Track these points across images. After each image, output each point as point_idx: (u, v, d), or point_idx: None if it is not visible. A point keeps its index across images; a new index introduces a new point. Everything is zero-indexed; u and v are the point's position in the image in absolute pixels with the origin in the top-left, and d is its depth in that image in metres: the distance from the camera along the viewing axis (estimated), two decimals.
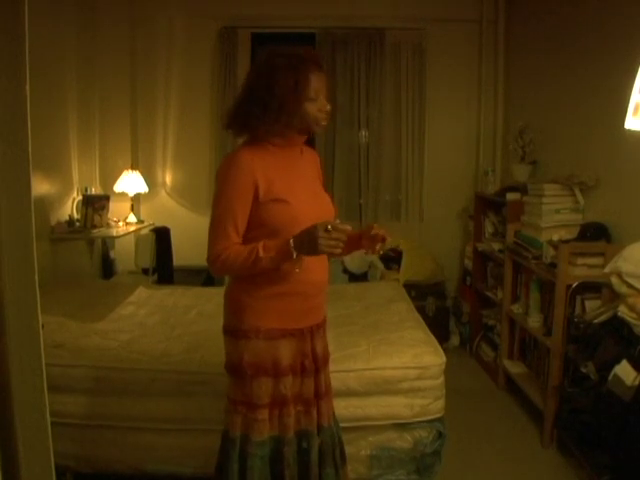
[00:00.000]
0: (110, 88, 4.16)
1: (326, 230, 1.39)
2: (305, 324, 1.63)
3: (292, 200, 1.53)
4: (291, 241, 1.44)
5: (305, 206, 1.55)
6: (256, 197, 1.51)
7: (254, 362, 1.55)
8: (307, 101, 1.50)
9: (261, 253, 1.46)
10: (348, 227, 1.43)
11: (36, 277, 0.86)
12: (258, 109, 1.48)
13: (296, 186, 1.57)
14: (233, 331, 1.59)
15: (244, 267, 1.50)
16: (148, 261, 3.81)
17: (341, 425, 2.02)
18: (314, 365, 1.64)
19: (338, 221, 1.45)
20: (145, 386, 2.06)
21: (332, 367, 2.05)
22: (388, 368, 2.06)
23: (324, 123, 1.56)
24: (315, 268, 1.58)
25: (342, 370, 2.05)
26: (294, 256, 1.44)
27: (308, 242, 1.42)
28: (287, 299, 1.58)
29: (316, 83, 1.51)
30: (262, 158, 1.53)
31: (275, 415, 1.59)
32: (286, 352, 1.59)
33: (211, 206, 1.55)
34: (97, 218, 3.62)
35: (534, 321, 2.86)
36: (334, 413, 1.75)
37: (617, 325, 2.04)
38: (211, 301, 3.01)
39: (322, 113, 1.54)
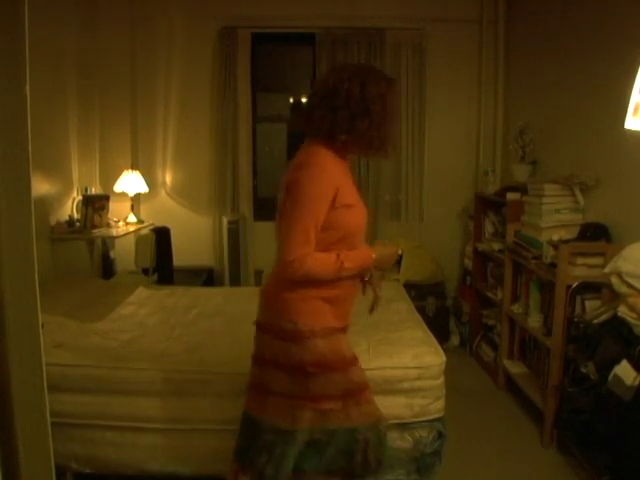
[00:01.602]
0: (110, 88, 4.16)
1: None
2: (349, 321, 1.70)
3: (357, 206, 1.59)
4: (374, 256, 1.57)
5: (364, 212, 1.63)
6: (332, 202, 1.52)
7: (316, 360, 1.55)
8: (395, 124, 1.61)
9: (346, 264, 1.52)
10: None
11: (36, 277, 0.86)
12: (350, 122, 1.52)
13: (355, 193, 1.62)
14: (289, 334, 1.57)
15: (327, 276, 1.54)
16: (148, 261, 3.80)
17: None
18: None
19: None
20: (145, 386, 2.06)
21: None
22: (388, 368, 2.06)
23: (394, 145, 1.67)
24: None
25: None
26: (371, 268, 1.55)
27: (388, 261, 1.60)
28: (341, 301, 1.63)
29: (394, 104, 1.60)
30: (337, 164, 1.57)
31: (351, 405, 1.61)
32: (346, 344, 1.63)
33: (293, 205, 1.50)
34: (97, 218, 3.62)
35: (534, 321, 2.86)
36: None
37: (617, 325, 2.04)
38: (211, 301, 3.01)
39: (396, 134, 1.66)
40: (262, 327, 1.64)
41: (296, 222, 1.49)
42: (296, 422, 1.59)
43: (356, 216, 1.59)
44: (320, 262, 1.51)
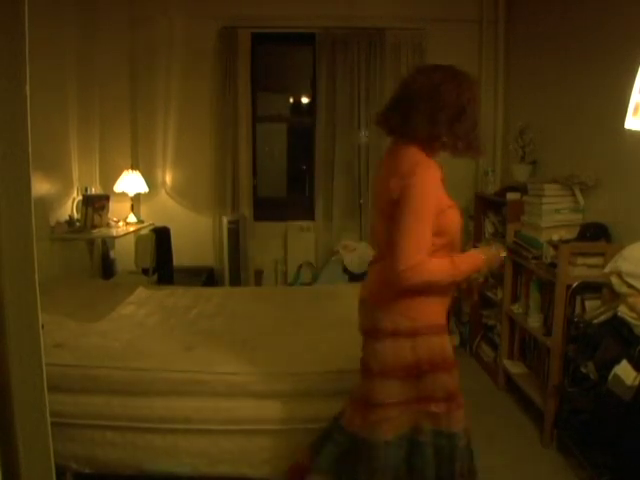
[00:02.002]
0: (110, 88, 4.16)
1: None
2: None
3: (454, 207, 1.62)
4: (483, 257, 1.63)
5: (458, 212, 1.64)
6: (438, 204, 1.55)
7: (430, 358, 1.58)
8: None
9: (462, 267, 1.58)
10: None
11: (36, 277, 0.86)
12: (450, 125, 1.57)
13: (447, 194, 1.63)
14: (406, 331, 1.59)
15: (443, 281, 1.57)
16: (148, 261, 3.81)
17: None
18: None
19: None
20: (145, 386, 2.06)
21: (332, 367, 2.06)
22: None
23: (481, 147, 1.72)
24: None
25: (342, 370, 2.05)
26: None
27: (495, 261, 1.65)
28: (446, 300, 1.66)
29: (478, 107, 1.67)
30: (437, 168, 1.59)
31: (453, 408, 1.63)
32: (449, 345, 1.64)
33: (406, 213, 1.51)
34: (97, 218, 3.62)
35: (534, 321, 2.86)
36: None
37: (617, 325, 2.04)
38: (211, 301, 3.01)
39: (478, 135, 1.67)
40: (372, 332, 1.64)
41: (410, 230, 1.49)
42: (400, 428, 1.62)
43: (455, 217, 1.62)
44: (437, 268, 1.54)
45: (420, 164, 1.55)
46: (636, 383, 1.82)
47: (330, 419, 1.96)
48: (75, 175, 3.79)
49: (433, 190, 1.54)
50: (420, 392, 1.60)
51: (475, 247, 1.71)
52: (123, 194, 4.00)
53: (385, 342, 1.60)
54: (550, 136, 3.33)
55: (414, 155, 1.57)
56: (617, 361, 1.93)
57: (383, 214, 1.61)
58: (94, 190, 3.92)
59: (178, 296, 3.10)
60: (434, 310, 1.62)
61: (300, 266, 4.35)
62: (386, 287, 1.59)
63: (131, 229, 3.91)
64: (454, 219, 1.61)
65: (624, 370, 1.88)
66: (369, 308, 1.67)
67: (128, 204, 4.07)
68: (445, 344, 1.62)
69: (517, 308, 3.11)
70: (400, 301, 1.58)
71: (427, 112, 1.56)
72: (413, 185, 1.51)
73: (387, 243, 1.56)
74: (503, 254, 1.69)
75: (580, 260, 2.50)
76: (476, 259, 1.63)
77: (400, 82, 1.69)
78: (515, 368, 3.13)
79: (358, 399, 1.71)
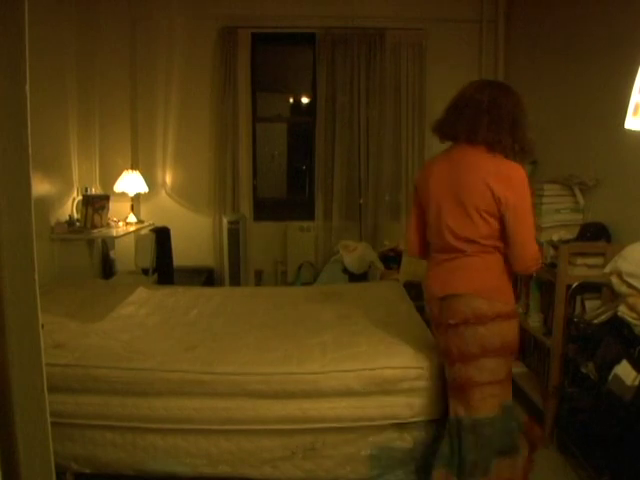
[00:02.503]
0: (110, 88, 4.16)
1: None
2: None
3: None
4: None
5: None
6: None
7: (514, 339, 1.90)
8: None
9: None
10: None
11: (36, 277, 0.86)
12: (512, 133, 1.83)
13: None
14: (504, 315, 1.85)
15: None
16: (148, 261, 3.81)
17: (341, 425, 2.04)
18: None
19: None
20: (145, 386, 2.06)
21: (332, 367, 2.06)
22: (388, 368, 2.05)
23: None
24: None
25: (342, 370, 2.05)
26: None
27: None
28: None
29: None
30: None
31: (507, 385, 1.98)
32: None
33: (524, 211, 1.81)
34: (97, 218, 3.62)
35: (534, 321, 2.85)
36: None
37: (617, 325, 2.04)
38: (211, 301, 3.00)
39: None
40: (472, 319, 1.84)
41: (530, 226, 1.83)
42: (504, 401, 1.92)
43: None
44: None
45: (516, 170, 1.82)
46: (636, 383, 1.82)
47: (332, 419, 1.96)
48: (75, 175, 3.79)
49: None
50: (503, 373, 1.90)
51: None
52: (123, 194, 4.00)
53: (488, 325, 1.82)
54: (550, 136, 3.33)
55: (507, 162, 1.83)
56: (617, 361, 1.93)
57: (478, 210, 1.81)
58: (94, 190, 3.92)
59: (178, 296, 3.09)
60: (513, 296, 1.95)
61: (300, 266, 4.35)
62: (486, 277, 1.87)
63: (131, 229, 3.91)
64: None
65: (624, 370, 1.88)
66: (466, 298, 1.85)
67: (128, 204, 4.07)
68: (517, 327, 1.93)
69: (517, 308, 3.11)
70: (499, 289, 1.87)
71: (490, 122, 1.81)
72: (522, 184, 1.81)
73: (490, 237, 1.84)
74: None
75: (580, 260, 2.49)
76: None
77: (457, 96, 1.93)
78: (515, 368, 3.13)
79: (457, 387, 1.92)
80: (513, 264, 1.87)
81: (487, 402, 1.87)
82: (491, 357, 1.85)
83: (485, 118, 1.81)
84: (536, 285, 2.89)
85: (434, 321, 2.04)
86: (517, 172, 1.80)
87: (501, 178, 1.77)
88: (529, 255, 1.83)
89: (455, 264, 1.90)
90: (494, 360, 1.86)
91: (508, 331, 1.86)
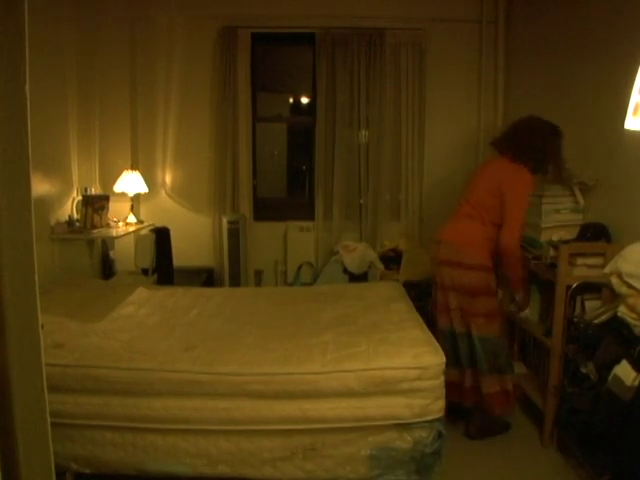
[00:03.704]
0: (110, 88, 4.15)
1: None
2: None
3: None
4: (520, 290, 2.85)
5: None
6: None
7: (490, 284, 2.66)
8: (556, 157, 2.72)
9: (516, 272, 2.73)
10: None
11: (36, 277, 0.86)
12: (544, 159, 2.68)
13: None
14: (485, 267, 2.63)
15: (512, 265, 2.67)
16: (148, 261, 3.81)
17: (341, 425, 2.04)
18: None
19: None
20: (145, 386, 2.06)
21: (332, 367, 2.06)
22: (388, 368, 2.06)
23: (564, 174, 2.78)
24: None
25: (342, 370, 2.05)
26: None
27: (522, 302, 2.93)
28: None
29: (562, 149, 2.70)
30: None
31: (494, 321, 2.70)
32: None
33: (514, 202, 2.57)
34: (97, 218, 3.62)
35: (534, 319, 2.86)
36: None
37: (617, 325, 2.04)
38: (211, 301, 3.00)
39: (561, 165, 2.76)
40: (475, 267, 2.61)
41: (519, 215, 2.56)
42: (496, 332, 2.65)
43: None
44: (518, 258, 2.65)
45: (527, 173, 2.62)
46: (636, 383, 1.82)
47: (332, 419, 1.97)
48: (75, 175, 3.79)
49: (529, 192, 2.61)
50: (498, 307, 2.75)
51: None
52: (123, 194, 4.00)
53: (477, 273, 2.62)
54: None
55: (519, 168, 2.62)
56: (617, 361, 1.93)
57: (492, 194, 2.63)
58: (94, 190, 3.91)
59: (178, 296, 3.09)
60: (491, 257, 2.67)
61: (300, 266, 4.35)
62: (479, 239, 2.64)
63: (131, 229, 3.91)
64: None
65: (624, 370, 1.88)
66: (467, 247, 2.65)
67: (128, 204, 4.07)
68: (493, 278, 2.73)
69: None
70: (484, 250, 2.64)
71: (528, 147, 2.62)
72: (521, 185, 2.60)
73: (496, 216, 2.62)
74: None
75: (580, 260, 2.49)
76: (519, 282, 2.78)
77: (517, 124, 2.75)
78: (515, 368, 3.13)
79: (484, 314, 2.61)
80: (499, 236, 2.58)
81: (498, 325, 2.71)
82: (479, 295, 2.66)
83: (530, 152, 2.61)
84: (536, 285, 2.89)
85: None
86: (522, 175, 2.60)
87: (510, 175, 2.61)
88: (510, 234, 2.54)
89: (470, 223, 2.73)
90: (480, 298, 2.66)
91: (486, 279, 2.63)
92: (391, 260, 4.07)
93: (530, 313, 2.96)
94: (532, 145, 2.59)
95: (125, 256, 4.18)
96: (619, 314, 2.02)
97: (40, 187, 3.26)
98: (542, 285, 2.86)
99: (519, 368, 3.14)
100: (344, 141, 4.28)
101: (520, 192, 2.55)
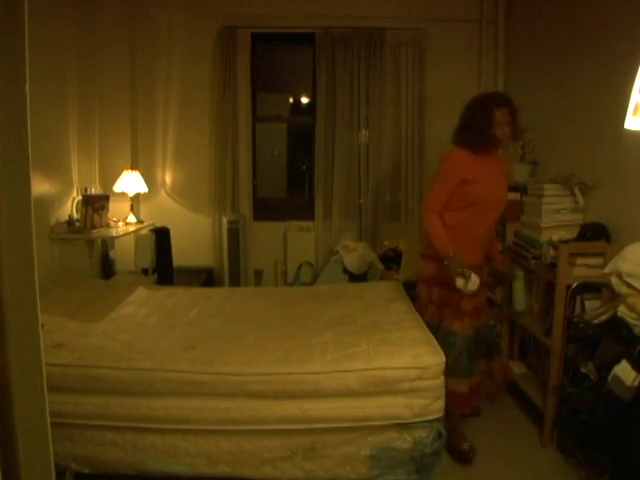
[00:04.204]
0: (110, 88, 4.16)
1: (462, 273, 2.34)
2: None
3: (479, 184, 2.44)
4: (450, 254, 2.39)
5: (487, 189, 2.46)
6: (461, 181, 2.44)
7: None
8: (492, 127, 2.43)
9: (439, 243, 2.46)
10: (474, 288, 2.36)
11: (36, 277, 0.86)
12: (469, 132, 2.47)
13: (485, 177, 2.45)
14: (430, 256, 2.58)
15: (435, 240, 2.49)
16: (148, 261, 3.81)
17: (341, 425, 2.04)
18: None
19: (474, 277, 2.34)
20: (145, 386, 2.06)
21: (332, 367, 2.06)
22: (388, 368, 2.06)
23: (506, 142, 2.53)
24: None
25: (342, 370, 2.05)
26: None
27: (452, 268, 2.38)
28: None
29: (499, 117, 2.42)
30: (467, 158, 2.48)
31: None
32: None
33: (434, 177, 2.61)
34: (97, 218, 3.62)
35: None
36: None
37: (617, 325, 2.04)
38: (211, 301, 3.01)
39: (504, 136, 2.46)
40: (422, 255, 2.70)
41: (435, 188, 2.54)
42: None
43: (477, 190, 2.44)
44: (439, 229, 2.47)
45: (451, 155, 2.56)
46: (636, 383, 1.82)
47: (332, 419, 1.97)
48: (75, 175, 3.79)
49: (451, 171, 2.51)
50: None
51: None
52: (123, 194, 4.00)
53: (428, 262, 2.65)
54: (550, 136, 3.33)
55: (452, 151, 2.57)
56: (617, 361, 1.93)
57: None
58: (94, 190, 3.91)
59: (178, 296, 3.09)
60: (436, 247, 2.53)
61: (300, 266, 4.35)
62: (442, 229, 2.53)
63: (131, 229, 3.91)
64: (477, 191, 2.44)
65: (624, 370, 1.88)
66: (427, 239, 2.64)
67: (128, 204, 4.07)
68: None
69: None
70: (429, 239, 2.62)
71: (461, 129, 2.57)
72: (441, 163, 2.59)
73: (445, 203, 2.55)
74: (464, 287, 2.37)
75: (580, 260, 2.49)
76: (446, 250, 2.43)
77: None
78: (515, 368, 3.13)
79: (438, 304, 2.61)
80: None
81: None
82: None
83: (458, 130, 2.57)
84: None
85: None
86: (449, 154, 2.57)
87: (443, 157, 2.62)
88: (425, 202, 2.59)
89: None
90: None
91: (427, 268, 2.63)
92: (391, 260, 4.08)
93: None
94: (460, 122, 2.56)
95: (125, 256, 4.18)
96: (619, 314, 2.02)
97: (40, 187, 3.27)
98: (542, 285, 2.86)
99: (519, 368, 3.14)
100: (344, 141, 4.28)
101: (440, 168, 2.57)
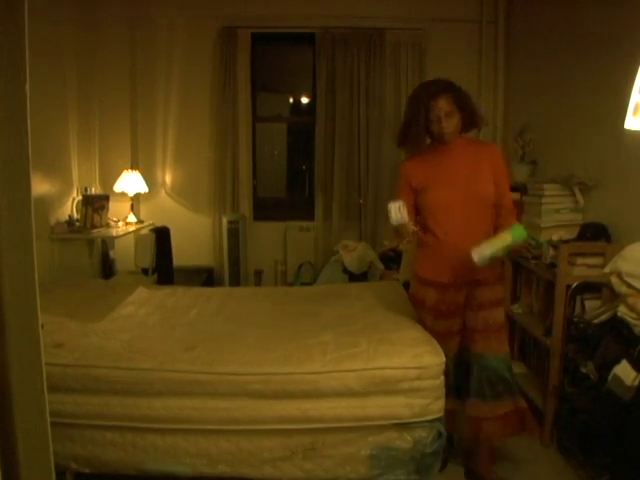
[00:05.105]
0: (110, 88, 4.16)
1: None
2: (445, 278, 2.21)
3: (431, 188, 2.16)
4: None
5: (443, 192, 2.15)
6: (411, 189, 2.22)
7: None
8: (430, 123, 2.12)
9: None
10: (396, 218, 2.02)
11: (36, 277, 0.86)
12: (407, 133, 2.16)
13: (441, 177, 2.16)
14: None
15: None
16: (148, 261, 3.81)
17: (341, 425, 2.04)
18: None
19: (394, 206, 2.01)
20: (145, 386, 2.06)
21: (332, 367, 2.06)
22: (388, 368, 2.05)
23: (445, 137, 2.13)
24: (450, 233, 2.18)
25: (342, 370, 2.05)
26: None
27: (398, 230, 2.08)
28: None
29: (435, 110, 2.09)
30: (411, 164, 2.24)
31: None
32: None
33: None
34: (97, 218, 3.62)
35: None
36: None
37: (617, 325, 2.04)
38: (211, 301, 3.00)
39: (443, 132, 2.11)
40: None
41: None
42: None
43: (430, 197, 2.17)
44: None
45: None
46: (636, 383, 1.82)
47: (332, 419, 1.96)
48: (75, 175, 3.79)
49: (399, 178, 2.28)
50: None
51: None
52: (123, 194, 4.00)
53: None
54: (550, 136, 3.33)
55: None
56: (617, 361, 1.93)
57: None
58: (94, 190, 3.92)
59: (178, 296, 3.09)
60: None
61: (300, 266, 4.35)
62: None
63: (131, 229, 3.91)
64: (429, 198, 2.17)
65: (624, 370, 1.88)
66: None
67: (128, 204, 4.07)
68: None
69: (517, 308, 3.11)
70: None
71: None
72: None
73: None
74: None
75: (580, 260, 2.49)
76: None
77: None
78: (515, 368, 3.12)
79: (501, 327, 2.26)
80: None
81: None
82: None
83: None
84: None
85: None
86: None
87: None
88: None
89: None
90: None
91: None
92: (391, 260, 4.08)
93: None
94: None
95: (125, 256, 4.18)
96: (619, 314, 2.02)
97: (40, 187, 3.27)
98: (542, 285, 2.86)
99: (519, 368, 3.14)
100: (344, 141, 4.28)
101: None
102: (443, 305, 2.23)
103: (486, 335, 2.22)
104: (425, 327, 2.26)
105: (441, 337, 2.20)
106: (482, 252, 2.00)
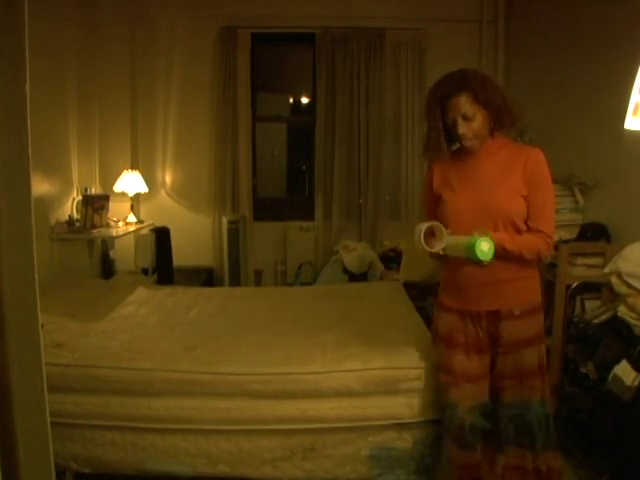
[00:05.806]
0: (110, 88, 4.16)
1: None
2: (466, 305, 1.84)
3: (452, 195, 1.82)
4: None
5: (461, 202, 1.80)
6: (433, 196, 1.88)
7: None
8: (449, 126, 1.75)
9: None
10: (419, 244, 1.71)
11: (36, 277, 0.86)
12: (428, 136, 1.82)
13: (456, 184, 1.82)
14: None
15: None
16: (148, 261, 3.81)
17: (341, 425, 2.03)
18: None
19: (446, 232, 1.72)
20: (145, 386, 2.06)
21: (332, 367, 2.06)
22: (388, 368, 2.05)
23: (465, 143, 1.77)
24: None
25: (342, 370, 2.05)
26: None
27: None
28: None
29: (450, 112, 1.73)
30: (441, 164, 1.87)
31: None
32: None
33: None
34: (97, 218, 3.62)
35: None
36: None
37: (617, 325, 2.04)
38: (211, 301, 3.00)
39: (464, 137, 1.75)
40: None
41: None
42: None
43: (445, 210, 1.82)
44: None
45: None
46: (636, 383, 1.82)
47: (332, 419, 1.96)
48: (75, 175, 3.79)
49: (427, 174, 1.96)
50: None
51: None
52: (123, 194, 4.00)
53: None
54: (550, 136, 3.33)
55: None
56: (617, 361, 1.93)
57: None
58: (94, 190, 3.91)
59: (178, 296, 3.09)
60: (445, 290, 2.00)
61: (300, 266, 4.35)
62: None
63: (131, 229, 3.91)
64: (441, 208, 1.83)
65: (624, 370, 1.88)
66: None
67: (128, 204, 4.07)
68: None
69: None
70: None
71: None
72: None
73: None
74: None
75: (580, 260, 2.50)
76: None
77: None
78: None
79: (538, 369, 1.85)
80: None
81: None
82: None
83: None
84: None
85: None
86: None
87: None
88: None
89: None
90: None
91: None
92: (391, 260, 4.08)
93: None
94: None
95: (125, 256, 4.18)
96: (619, 314, 2.02)
97: (40, 187, 3.27)
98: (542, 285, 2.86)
99: None
100: (344, 141, 4.28)
101: None
102: (459, 334, 1.83)
103: (518, 381, 1.82)
104: (439, 361, 1.92)
105: (458, 378, 1.81)
106: (446, 241, 1.73)
